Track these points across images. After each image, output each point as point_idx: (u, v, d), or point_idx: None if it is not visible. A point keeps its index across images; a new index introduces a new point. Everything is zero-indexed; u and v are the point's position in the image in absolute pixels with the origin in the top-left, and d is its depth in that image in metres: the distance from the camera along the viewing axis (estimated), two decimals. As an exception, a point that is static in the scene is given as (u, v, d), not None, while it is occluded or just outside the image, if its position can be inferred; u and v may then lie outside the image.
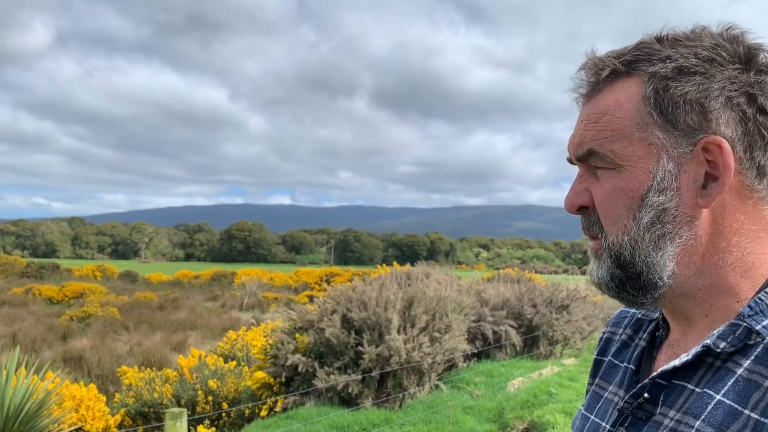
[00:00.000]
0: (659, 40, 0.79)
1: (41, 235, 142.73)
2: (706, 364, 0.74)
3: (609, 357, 0.96)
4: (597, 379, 0.96)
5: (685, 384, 0.75)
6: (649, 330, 0.90)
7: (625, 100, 0.78)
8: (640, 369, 0.87)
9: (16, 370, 4.95)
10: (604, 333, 1.02)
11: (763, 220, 0.77)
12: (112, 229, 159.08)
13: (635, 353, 0.90)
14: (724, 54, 0.76)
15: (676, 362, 0.76)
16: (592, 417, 0.90)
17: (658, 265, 0.77)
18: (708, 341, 0.74)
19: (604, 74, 0.80)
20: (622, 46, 0.82)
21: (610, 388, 0.91)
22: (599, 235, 0.81)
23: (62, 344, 14.78)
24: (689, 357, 0.75)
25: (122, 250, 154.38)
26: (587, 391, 0.99)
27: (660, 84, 0.76)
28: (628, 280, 0.79)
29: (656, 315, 0.90)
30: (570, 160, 0.86)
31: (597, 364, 0.99)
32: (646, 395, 0.78)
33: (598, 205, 0.80)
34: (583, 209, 0.83)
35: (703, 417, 0.70)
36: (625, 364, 0.90)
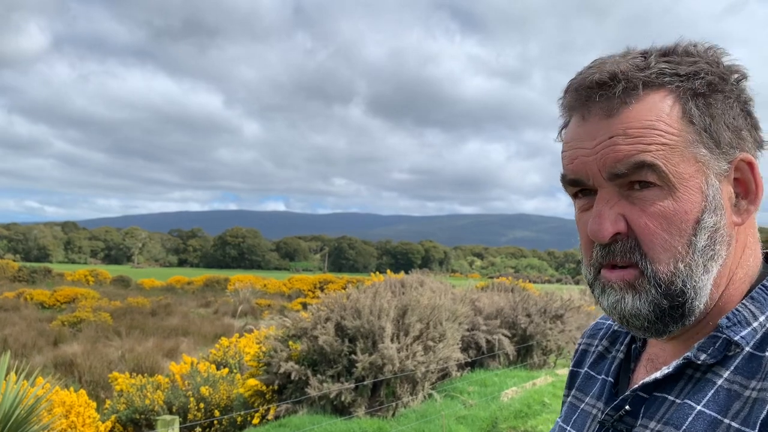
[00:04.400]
0: (671, 52, 0.77)
1: (34, 239, 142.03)
2: (686, 376, 0.76)
3: (585, 368, 0.96)
4: (574, 391, 0.96)
5: (666, 396, 0.76)
6: (625, 342, 0.91)
7: (666, 116, 0.74)
8: (618, 381, 0.88)
9: (6, 375, 4.91)
10: (580, 344, 1.02)
11: (756, 234, 0.80)
12: (105, 234, 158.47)
13: (613, 366, 0.90)
14: (724, 71, 0.77)
15: (657, 375, 0.77)
16: (569, 429, 0.91)
17: (704, 289, 0.74)
18: (689, 353, 0.75)
19: (639, 88, 0.74)
20: (624, 51, 0.79)
21: (587, 399, 0.91)
22: (640, 263, 0.74)
23: (53, 349, 14.68)
24: (670, 369, 0.76)
25: (115, 255, 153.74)
26: (563, 402, 1.00)
27: (700, 101, 0.74)
28: (670, 309, 0.74)
29: None
30: (574, 182, 0.79)
31: (573, 376, 0.99)
32: (627, 408, 0.79)
33: (642, 231, 0.74)
34: (615, 236, 0.75)
35: (684, 427, 0.71)
36: (603, 376, 0.91)
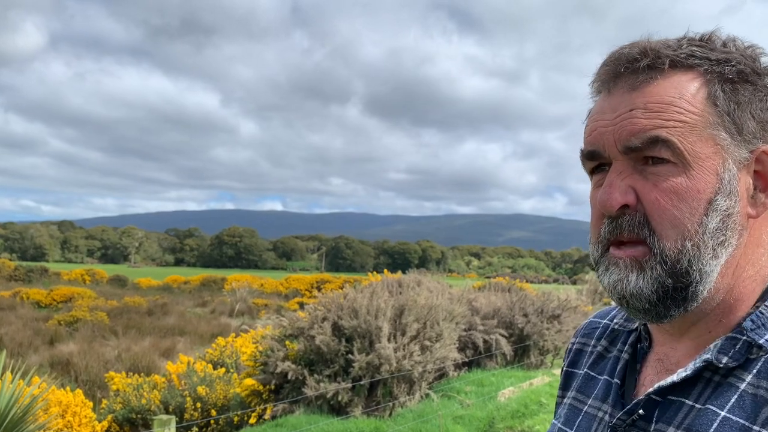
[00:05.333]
0: (706, 39, 0.77)
1: (30, 238, 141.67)
2: (704, 379, 0.73)
3: (585, 369, 0.94)
4: (573, 392, 0.93)
5: (683, 400, 0.73)
6: (630, 341, 0.88)
7: (689, 95, 0.73)
8: (624, 383, 0.85)
9: (2, 374, 4.89)
10: (573, 344, 1.00)
11: None
12: (102, 233, 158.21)
13: (618, 366, 0.87)
14: (761, 68, 0.76)
15: (674, 378, 0.74)
16: None
17: (710, 275, 0.72)
18: (708, 356, 0.72)
19: (665, 64, 0.74)
20: (662, 38, 0.78)
21: (590, 402, 0.88)
22: (648, 239, 0.73)
23: (49, 349, 14.64)
24: (688, 372, 0.73)
25: (112, 254, 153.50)
26: (558, 404, 0.97)
27: (727, 86, 0.74)
28: (674, 291, 0.73)
29: (635, 325, 0.88)
30: (592, 154, 0.78)
31: (568, 376, 0.97)
32: (641, 411, 0.77)
33: (652, 206, 0.73)
34: (624, 208, 0.74)
35: None
36: (606, 377, 0.88)
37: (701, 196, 0.72)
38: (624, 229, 0.74)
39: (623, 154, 0.75)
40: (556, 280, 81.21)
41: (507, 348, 9.55)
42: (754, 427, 0.66)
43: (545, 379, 8.81)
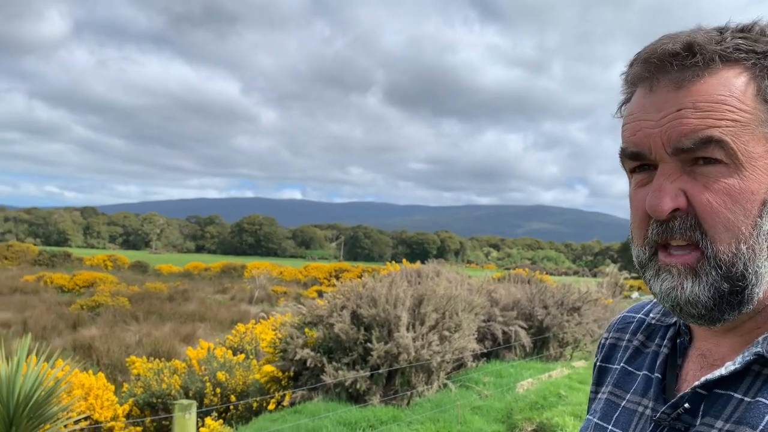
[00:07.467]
0: (748, 30, 0.74)
1: (54, 223, 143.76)
2: (753, 373, 0.72)
3: (621, 364, 0.92)
4: (609, 387, 0.91)
5: (731, 393, 0.72)
6: (669, 336, 0.86)
7: (739, 92, 0.70)
8: (665, 378, 0.83)
9: (27, 357, 4.97)
10: (606, 339, 0.98)
11: None
12: (123, 220, 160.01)
13: (658, 361, 0.85)
14: None
15: (722, 371, 0.73)
16: (609, 427, 0.86)
17: (766, 276, 0.71)
18: (759, 349, 0.71)
19: (714, 61, 0.71)
20: (696, 27, 0.75)
21: (629, 396, 0.86)
22: (701, 243, 0.71)
23: (72, 333, 14.88)
24: (737, 366, 0.72)
25: (133, 240, 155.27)
26: (591, 399, 0.96)
27: None
28: (730, 295, 0.71)
29: (673, 320, 0.86)
30: (636, 155, 0.75)
31: (602, 372, 0.95)
32: (686, 405, 0.75)
33: (705, 208, 0.70)
34: (674, 212, 0.72)
35: (761, 427, 0.67)
36: (646, 372, 0.86)
37: (755, 198, 0.69)
38: (675, 231, 0.72)
39: (672, 156, 0.72)
40: (576, 273, 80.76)
41: (526, 339, 9.51)
42: None
43: (564, 372, 8.77)
